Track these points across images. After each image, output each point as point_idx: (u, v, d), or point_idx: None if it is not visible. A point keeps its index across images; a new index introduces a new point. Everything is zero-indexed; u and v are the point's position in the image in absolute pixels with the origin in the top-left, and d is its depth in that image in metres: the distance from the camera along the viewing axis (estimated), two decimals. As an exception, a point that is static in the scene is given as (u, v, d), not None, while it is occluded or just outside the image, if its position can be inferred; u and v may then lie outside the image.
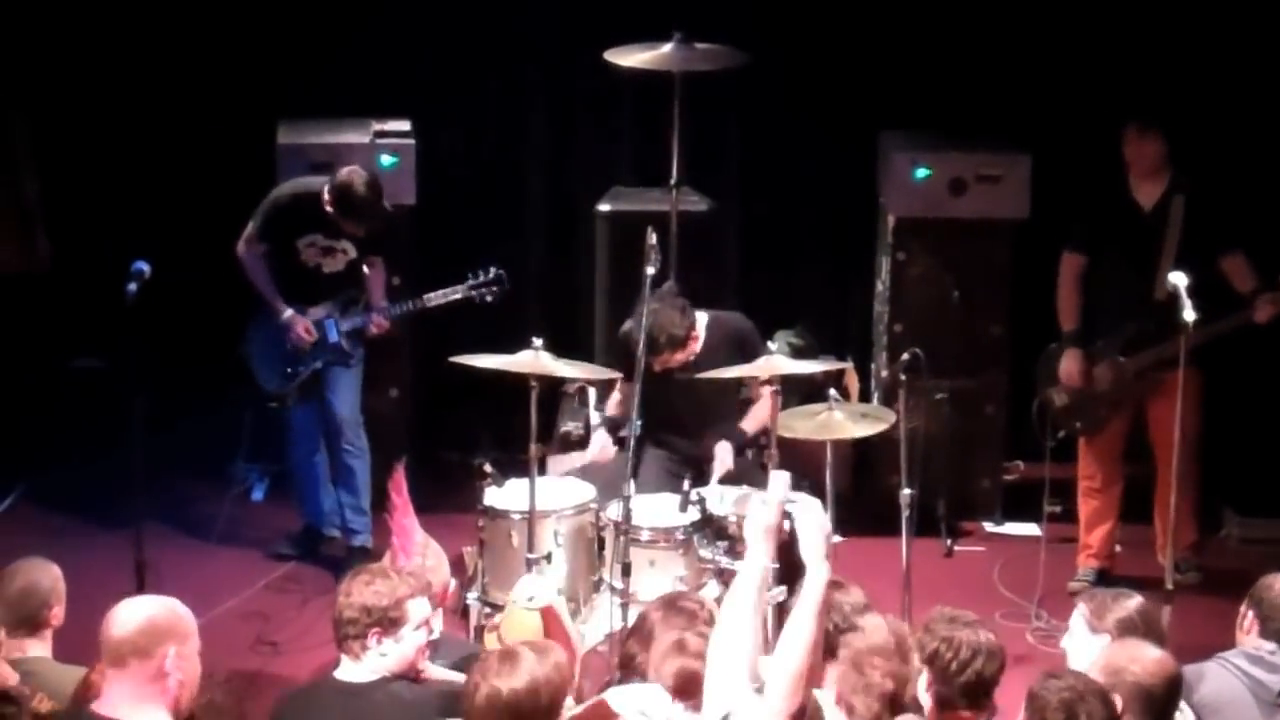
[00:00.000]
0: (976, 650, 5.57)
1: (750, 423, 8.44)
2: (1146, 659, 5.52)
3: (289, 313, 8.82)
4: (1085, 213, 8.97)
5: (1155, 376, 8.60)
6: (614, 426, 8.55)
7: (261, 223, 8.85)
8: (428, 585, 6.13)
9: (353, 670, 5.81)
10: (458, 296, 8.81)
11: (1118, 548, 9.13)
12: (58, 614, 6.19)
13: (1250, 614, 6.30)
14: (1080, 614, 6.04)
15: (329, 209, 8.67)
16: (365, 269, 8.93)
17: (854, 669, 5.32)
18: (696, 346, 8.27)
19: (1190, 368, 7.75)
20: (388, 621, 5.84)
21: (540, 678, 5.20)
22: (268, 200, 8.86)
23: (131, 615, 5.21)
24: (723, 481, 8.12)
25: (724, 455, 8.30)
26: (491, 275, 8.80)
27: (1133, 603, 6.01)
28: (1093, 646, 5.91)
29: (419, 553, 6.66)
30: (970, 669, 5.56)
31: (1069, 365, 8.90)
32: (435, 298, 8.84)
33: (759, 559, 4.73)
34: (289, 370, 8.89)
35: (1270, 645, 6.20)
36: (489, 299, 8.81)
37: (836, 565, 7.54)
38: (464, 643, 6.66)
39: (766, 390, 8.02)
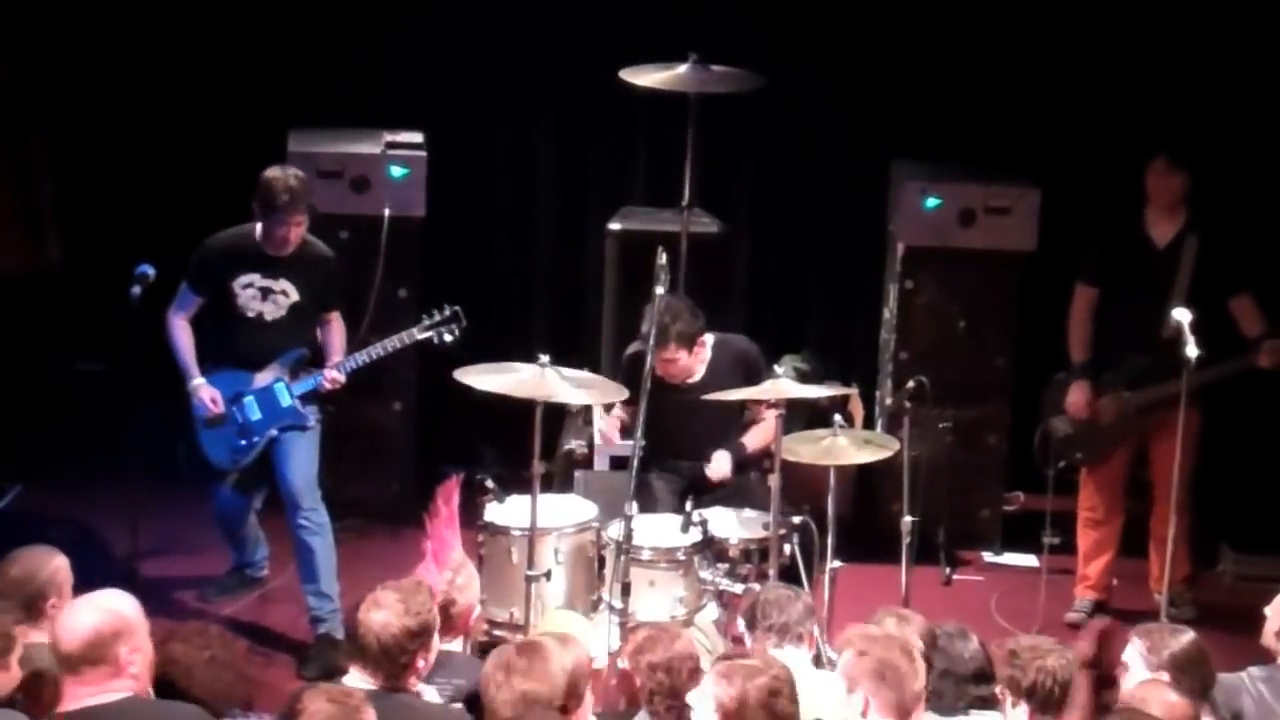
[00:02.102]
0: (1068, 669, 5.79)
1: (752, 438, 8.39)
2: (1162, 701, 5.53)
3: (197, 380, 8.23)
4: (1099, 246, 8.96)
5: (1158, 413, 8.60)
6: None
7: (193, 270, 8.26)
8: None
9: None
10: (415, 339, 8.30)
11: (1114, 581, 9.13)
12: (57, 605, 6.09)
13: None
14: (1136, 649, 6.05)
15: (259, 222, 8.12)
16: (319, 329, 8.37)
17: None
18: (703, 355, 8.22)
19: (1190, 408, 7.77)
20: (431, 633, 5.76)
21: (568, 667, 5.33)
22: (196, 250, 8.30)
23: (78, 626, 5.36)
24: (719, 492, 8.12)
25: (721, 462, 8.25)
26: (448, 313, 8.26)
27: (1187, 637, 6.06)
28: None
29: (452, 568, 6.61)
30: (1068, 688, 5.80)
31: (1075, 396, 8.90)
32: (391, 344, 8.26)
33: None
34: (242, 442, 8.28)
35: None
36: (448, 338, 8.25)
37: (838, 591, 7.67)
38: (477, 663, 6.64)
39: (770, 412, 8.03)
